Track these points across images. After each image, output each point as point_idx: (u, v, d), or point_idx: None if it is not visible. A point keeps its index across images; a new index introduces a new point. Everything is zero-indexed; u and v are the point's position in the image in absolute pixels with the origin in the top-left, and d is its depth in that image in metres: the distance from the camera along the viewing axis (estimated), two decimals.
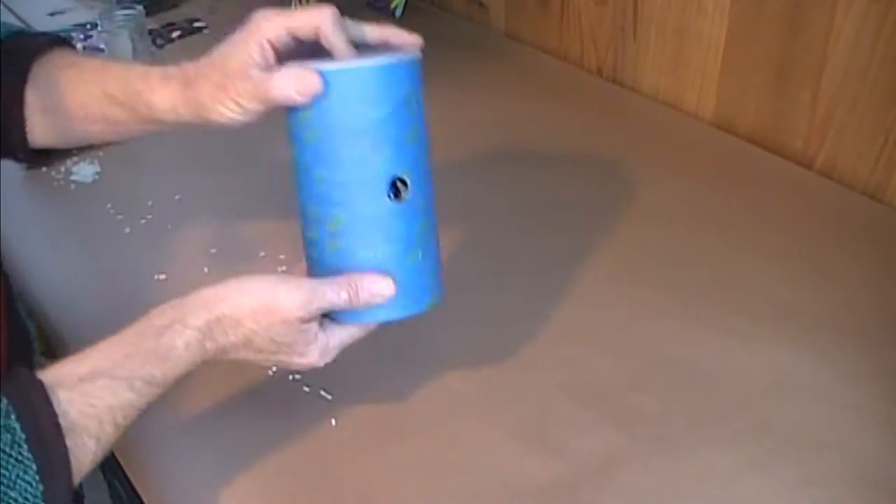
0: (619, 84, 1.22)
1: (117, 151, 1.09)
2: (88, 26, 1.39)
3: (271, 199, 0.97)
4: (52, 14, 1.45)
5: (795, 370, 0.74)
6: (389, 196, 0.61)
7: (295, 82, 0.59)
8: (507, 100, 1.17)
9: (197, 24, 1.40)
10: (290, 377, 0.74)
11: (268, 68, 0.61)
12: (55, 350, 0.80)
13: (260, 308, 0.59)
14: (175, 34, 1.37)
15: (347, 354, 0.77)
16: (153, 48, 1.30)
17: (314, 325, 0.62)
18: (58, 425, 0.52)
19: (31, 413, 0.52)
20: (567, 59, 1.29)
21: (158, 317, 0.59)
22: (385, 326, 0.65)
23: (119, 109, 0.67)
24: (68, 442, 0.53)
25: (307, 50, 0.63)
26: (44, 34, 0.73)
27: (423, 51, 0.64)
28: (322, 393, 0.73)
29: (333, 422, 0.70)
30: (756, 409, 0.71)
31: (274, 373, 0.75)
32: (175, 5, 1.47)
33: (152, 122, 0.68)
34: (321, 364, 0.63)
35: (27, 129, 0.70)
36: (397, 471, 0.66)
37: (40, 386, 0.53)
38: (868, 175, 0.97)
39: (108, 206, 0.98)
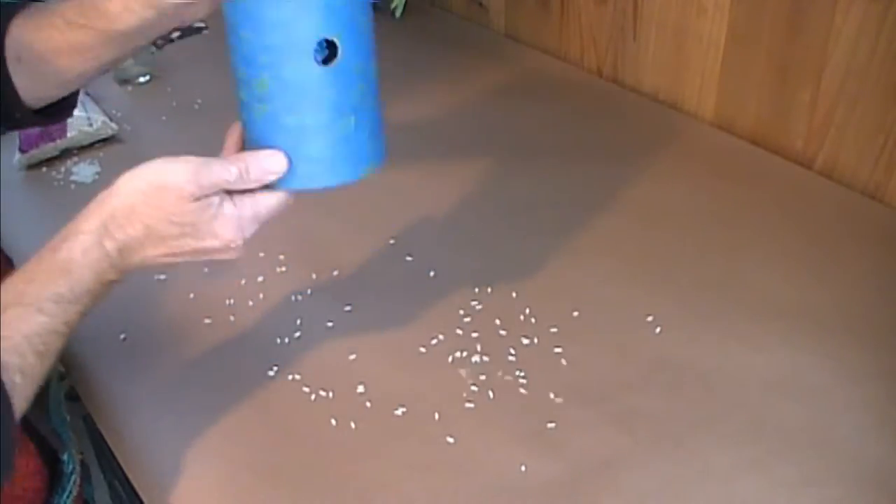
0: (619, 84, 1.22)
1: (117, 151, 1.09)
2: None
3: None
4: None
5: (795, 370, 0.74)
6: (317, 60, 0.58)
7: None
8: (506, 100, 1.17)
9: (197, 24, 1.40)
10: (290, 377, 0.74)
11: None
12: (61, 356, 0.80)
13: (149, 188, 0.58)
14: (175, 34, 1.37)
15: (347, 355, 0.77)
16: (153, 48, 1.30)
17: (216, 199, 0.59)
18: None
19: None
20: (567, 59, 1.28)
21: (56, 237, 0.58)
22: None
23: (80, 32, 0.66)
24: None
25: None
26: (20, 2, 0.73)
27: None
28: (322, 393, 0.73)
29: (333, 422, 0.70)
30: (756, 409, 0.71)
31: (275, 373, 0.75)
32: None
33: (116, 36, 0.66)
34: (239, 239, 0.60)
35: (17, 89, 0.69)
36: (397, 471, 0.66)
37: None
38: (868, 175, 0.97)
39: None
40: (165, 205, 0.58)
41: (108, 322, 0.82)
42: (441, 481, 0.65)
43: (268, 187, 0.61)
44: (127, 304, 0.84)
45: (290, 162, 0.60)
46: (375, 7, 0.69)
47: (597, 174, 1.01)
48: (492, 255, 0.89)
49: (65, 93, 0.72)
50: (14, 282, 0.56)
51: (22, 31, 0.68)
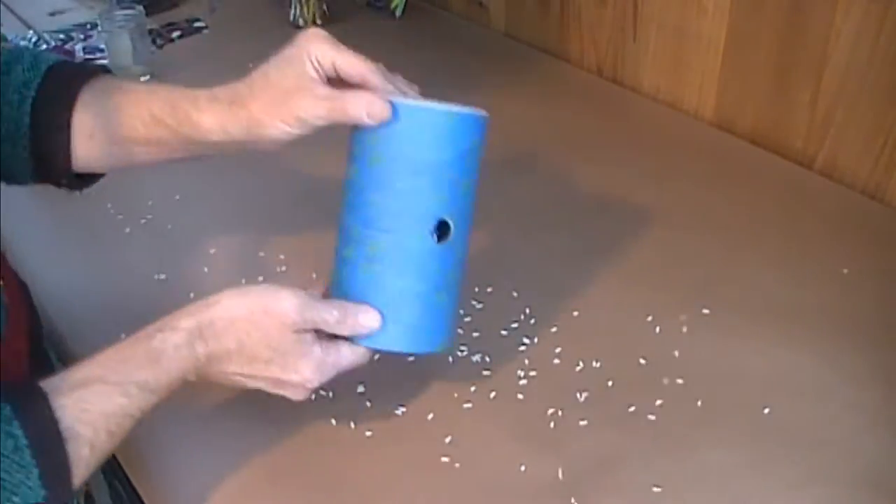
0: (619, 84, 1.22)
1: None
2: (88, 26, 1.39)
3: (271, 199, 0.97)
4: (52, 14, 1.45)
5: (795, 370, 0.74)
6: (432, 235, 0.63)
7: (366, 105, 0.60)
8: (506, 100, 1.17)
9: (197, 25, 1.40)
10: None
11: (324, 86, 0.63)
12: (60, 355, 0.80)
13: (256, 307, 0.60)
14: (175, 34, 1.37)
15: None
16: (153, 48, 1.30)
17: (310, 336, 0.61)
18: (58, 432, 0.53)
19: (32, 419, 0.52)
20: (567, 59, 1.28)
21: (153, 324, 0.60)
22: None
23: (165, 130, 0.67)
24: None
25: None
26: (87, 64, 0.74)
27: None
28: (322, 393, 0.73)
29: (333, 422, 0.70)
30: (756, 409, 0.71)
31: None
32: (175, 5, 1.47)
33: (197, 144, 0.68)
34: (314, 382, 0.62)
35: (72, 154, 0.70)
36: (397, 471, 0.66)
37: (40, 393, 0.54)
38: (868, 175, 0.97)
39: (108, 206, 0.98)
40: (266, 327, 0.59)
41: (109, 322, 0.82)
42: (440, 481, 0.65)
43: (350, 339, 0.63)
44: (126, 304, 0.84)
45: (382, 321, 0.63)
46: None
47: (596, 174, 1.01)
48: (492, 254, 0.89)
49: (116, 169, 0.73)
50: (104, 359, 0.58)
51: (101, 110, 0.69)
